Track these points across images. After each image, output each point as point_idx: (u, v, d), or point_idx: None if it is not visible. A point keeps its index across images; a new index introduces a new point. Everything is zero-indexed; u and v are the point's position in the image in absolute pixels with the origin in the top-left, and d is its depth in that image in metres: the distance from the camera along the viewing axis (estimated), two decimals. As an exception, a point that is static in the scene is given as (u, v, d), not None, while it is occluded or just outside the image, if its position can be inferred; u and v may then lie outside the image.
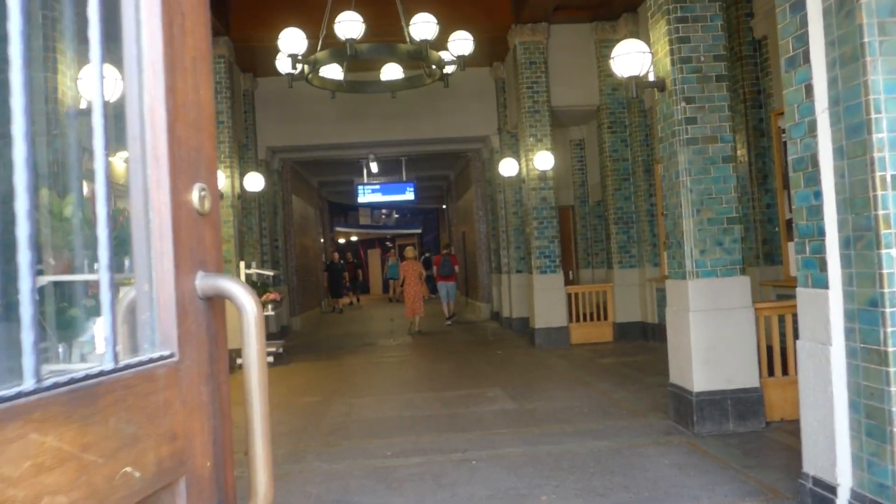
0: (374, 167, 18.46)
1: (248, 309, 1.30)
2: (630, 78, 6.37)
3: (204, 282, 1.30)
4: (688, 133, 6.03)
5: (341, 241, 35.73)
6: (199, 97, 1.37)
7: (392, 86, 10.12)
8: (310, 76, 9.26)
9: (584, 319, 12.47)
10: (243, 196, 13.53)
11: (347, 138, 15.40)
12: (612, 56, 6.38)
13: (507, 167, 13.70)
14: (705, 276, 5.96)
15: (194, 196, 1.30)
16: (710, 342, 5.92)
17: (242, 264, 11.99)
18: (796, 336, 6.33)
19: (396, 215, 36.58)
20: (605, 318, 12.52)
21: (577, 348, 11.80)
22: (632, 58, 6.26)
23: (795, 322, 6.34)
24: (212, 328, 1.35)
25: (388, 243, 38.04)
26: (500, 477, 5.11)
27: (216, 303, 1.35)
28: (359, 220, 33.86)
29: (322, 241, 25.05)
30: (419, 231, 36.46)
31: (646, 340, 12.07)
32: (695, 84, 6.03)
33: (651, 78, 6.39)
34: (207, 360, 1.33)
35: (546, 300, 12.18)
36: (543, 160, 12.12)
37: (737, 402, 5.92)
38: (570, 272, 15.23)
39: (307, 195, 21.65)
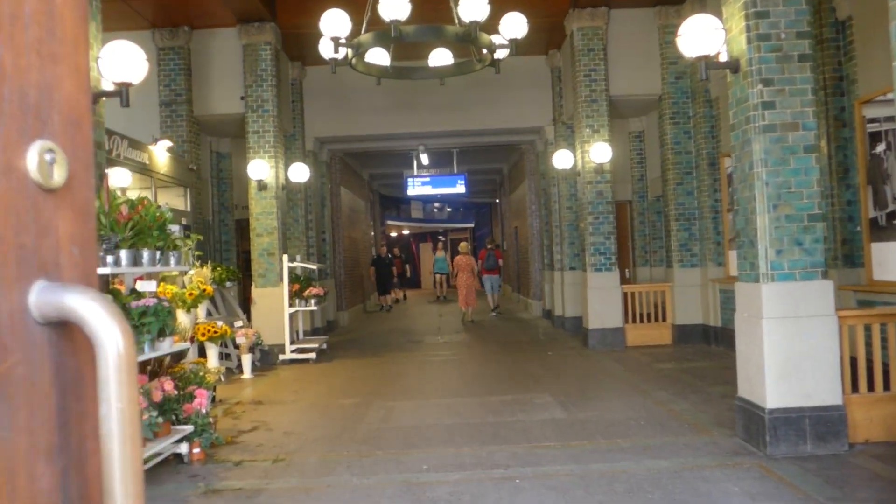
0: (424, 159, 17.99)
1: (107, 343, 0.80)
2: (699, 58, 5.73)
3: (43, 297, 0.80)
4: (764, 119, 5.38)
5: (393, 234, 35.45)
6: (53, 7, 0.87)
7: (440, 72, 9.61)
8: (353, 61, 8.84)
9: (641, 321, 11.81)
10: (288, 187, 13.20)
11: (396, 129, 14.98)
12: (678, 33, 5.74)
13: (562, 159, 13.07)
14: (782, 280, 5.31)
15: (30, 161, 0.80)
16: (787, 353, 5.27)
17: (286, 258, 11.66)
18: (884, 348, 5.66)
19: (449, 209, 36.12)
20: (664, 320, 11.83)
21: (633, 351, 11.15)
22: (701, 35, 5.62)
23: (883, 333, 5.66)
24: (64, 370, 0.86)
25: (440, 237, 37.59)
26: (546, 501, 4.57)
27: (74, 329, 0.86)
28: (411, 214, 33.51)
29: (372, 234, 24.73)
30: (472, 225, 35.93)
31: (707, 345, 11.34)
32: (773, 64, 5.37)
33: (723, 58, 5.74)
34: (53, 424, 0.84)
35: (601, 299, 11.55)
36: (600, 152, 11.47)
37: (816, 420, 5.26)
38: (627, 270, 14.53)
39: (357, 187, 21.32)
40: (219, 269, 11.51)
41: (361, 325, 17.38)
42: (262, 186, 11.77)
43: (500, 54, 8.88)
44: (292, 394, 8.91)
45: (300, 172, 12.73)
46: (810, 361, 5.28)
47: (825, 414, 5.25)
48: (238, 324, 11.19)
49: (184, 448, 5.75)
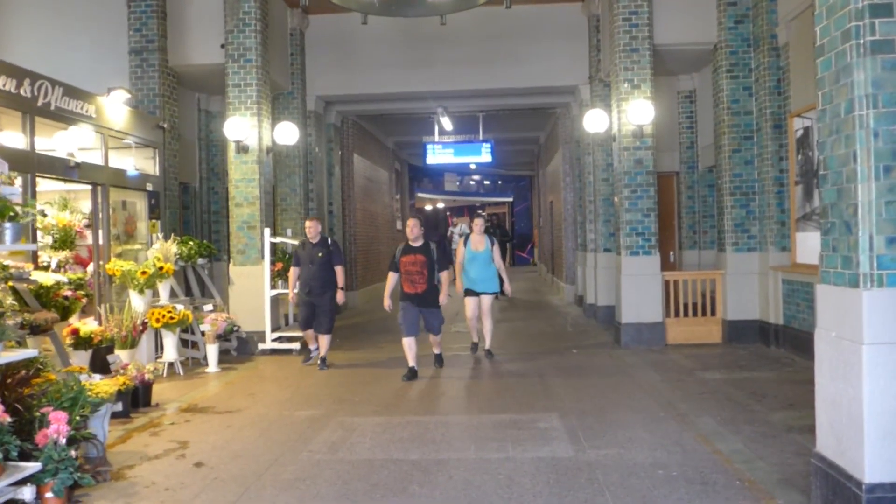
0: (446, 124, 16.12)
1: None
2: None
3: None
4: (874, 33, 3.46)
5: (428, 207, 33.72)
6: None
7: (438, 7, 7.80)
8: (327, -11, 7.09)
9: (686, 314, 9.92)
10: (278, 151, 11.54)
11: (411, 87, 13.17)
12: None
13: (594, 121, 11.12)
14: (895, 286, 3.44)
15: None
16: (900, 400, 3.42)
17: (268, 231, 10.04)
18: None
19: (487, 182, 34.16)
20: (713, 314, 9.92)
21: (673, 351, 9.28)
22: None
23: None
24: None
25: (480, 211, 35.75)
26: None
27: None
28: (444, 187, 31.67)
29: (398, 207, 23.00)
30: (510, 199, 33.91)
31: (765, 346, 9.39)
32: (891, -53, 3.49)
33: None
34: None
35: (636, 289, 9.67)
36: (640, 111, 9.52)
37: (942, 506, 3.43)
38: (672, 254, 12.57)
39: (377, 156, 19.58)
40: (190, 243, 9.94)
41: (375, 307, 15.71)
42: (241, 148, 10.13)
43: (511, -19, 7.05)
44: (247, 397, 7.30)
45: (287, 133, 11.01)
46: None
47: (958, 496, 3.39)
48: (208, 307, 9.63)
49: (28, 493, 4.15)
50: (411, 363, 8.01)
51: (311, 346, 9.09)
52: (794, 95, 8.86)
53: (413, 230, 8.24)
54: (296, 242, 9.94)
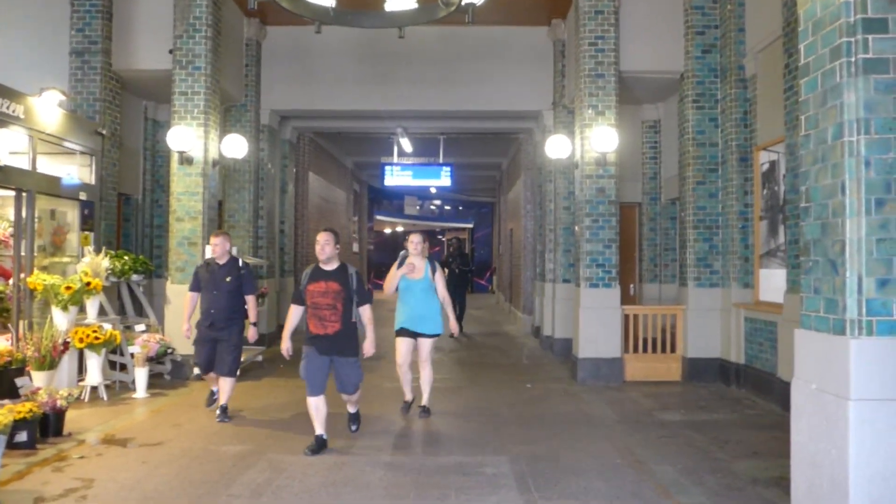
0: (406, 145, 15.71)
1: None
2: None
3: None
4: (867, 50, 3.12)
5: (387, 230, 33.24)
6: None
7: (397, 18, 7.35)
8: (276, -8, 6.62)
9: (645, 350, 9.54)
10: (226, 164, 10.97)
11: (371, 105, 12.71)
12: None
13: (556, 147, 10.78)
14: (886, 333, 3.05)
15: None
16: (891, 464, 2.99)
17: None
18: None
19: (448, 207, 33.84)
20: (673, 351, 9.57)
21: (632, 388, 8.89)
22: None
23: None
24: None
25: (439, 237, 35.41)
26: None
27: None
28: (404, 210, 31.24)
29: (355, 229, 22.47)
30: (471, 226, 33.61)
31: (726, 385, 9.06)
32: (888, -44, 3.15)
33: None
34: None
35: (595, 323, 9.29)
36: (604, 138, 9.20)
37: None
38: (632, 286, 12.25)
39: (335, 175, 19.08)
40: (125, 258, 9.32)
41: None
42: (185, 160, 9.55)
43: (474, -6, 6.66)
44: (173, 428, 6.69)
45: (236, 146, 10.44)
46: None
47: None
48: (140, 327, 8.99)
49: None
50: (318, 430, 5.94)
51: (214, 388, 7.25)
52: (761, 128, 8.63)
53: (324, 248, 5.92)
54: (258, 260, 9.33)
